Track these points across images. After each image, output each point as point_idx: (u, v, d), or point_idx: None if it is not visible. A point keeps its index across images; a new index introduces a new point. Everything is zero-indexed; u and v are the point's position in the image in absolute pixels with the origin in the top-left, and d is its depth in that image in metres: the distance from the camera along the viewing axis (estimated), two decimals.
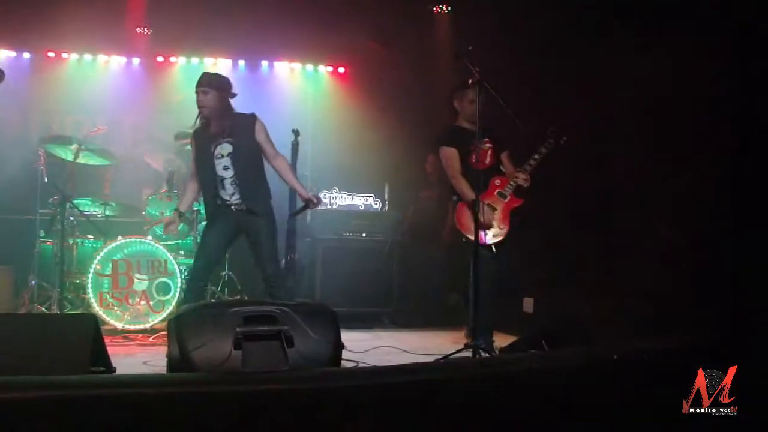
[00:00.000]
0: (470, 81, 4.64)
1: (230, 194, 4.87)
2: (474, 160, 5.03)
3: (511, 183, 5.16)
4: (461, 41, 5.46)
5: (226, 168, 4.86)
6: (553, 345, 4.21)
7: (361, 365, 4.42)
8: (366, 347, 5.24)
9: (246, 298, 6.43)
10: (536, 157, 5.11)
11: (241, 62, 8.78)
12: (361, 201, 7.16)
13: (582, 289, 5.30)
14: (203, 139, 4.96)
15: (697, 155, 4.61)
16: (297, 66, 8.99)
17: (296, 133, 4.95)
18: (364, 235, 6.94)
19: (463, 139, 5.30)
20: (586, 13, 5.50)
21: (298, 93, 8.90)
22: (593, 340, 4.31)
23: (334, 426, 2.30)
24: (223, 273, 6.41)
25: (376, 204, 7.19)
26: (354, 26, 7.76)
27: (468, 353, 4.54)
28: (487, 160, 5.26)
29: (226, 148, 4.86)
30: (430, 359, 4.85)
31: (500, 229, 5.17)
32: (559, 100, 5.84)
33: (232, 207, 4.88)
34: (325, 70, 9.06)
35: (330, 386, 2.43)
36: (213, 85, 4.85)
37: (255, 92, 8.67)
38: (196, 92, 4.85)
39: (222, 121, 4.87)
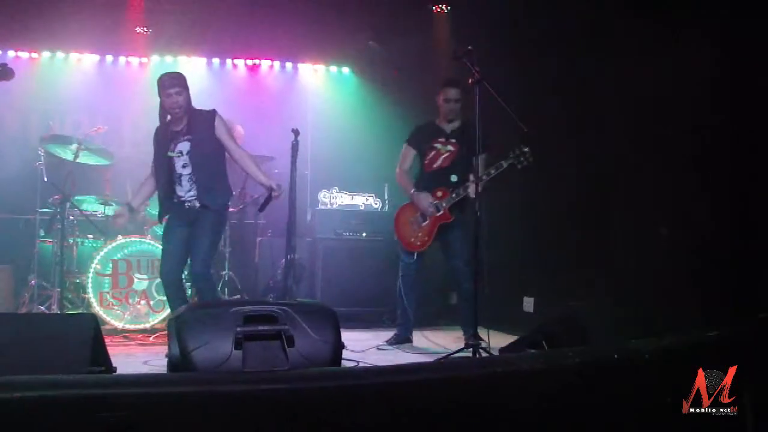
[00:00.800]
0: (470, 81, 4.64)
1: (186, 191, 4.84)
2: (427, 161, 5.45)
3: (452, 196, 5.26)
4: (461, 40, 5.47)
5: (185, 165, 4.83)
6: (554, 345, 4.20)
7: (361, 365, 4.41)
8: (366, 347, 5.24)
9: (246, 297, 6.43)
10: (491, 172, 5.06)
11: (240, 62, 8.80)
12: (361, 201, 7.16)
13: (583, 288, 5.30)
14: (163, 137, 4.92)
15: (699, 154, 4.60)
16: (297, 66, 9.00)
17: (296, 132, 4.92)
18: (364, 234, 6.93)
19: (428, 138, 5.50)
20: (587, 12, 5.49)
21: (298, 92, 8.91)
22: (594, 340, 4.31)
23: (334, 425, 2.30)
24: (224, 273, 6.41)
25: (376, 204, 7.18)
26: (354, 26, 7.76)
27: (468, 353, 4.54)
28: (437, 164, 5.43)
29: (184, 145, 4.82)
30: (430, 359, 4.85)
31: (423, 238, 5.36)
32: (562, 100, 5.84)
33: (186, 204, 4.85)
34: (324, 69, 9.07)
35: (330, 386, 2.43)
36: (184, 85, 4.82)
37: (254, 92, 8.70)
38: (168, 94, 4.76)
39: (185, 118, 4.85)
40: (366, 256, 6.84)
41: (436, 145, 5.46)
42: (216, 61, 8.71)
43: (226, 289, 6.40)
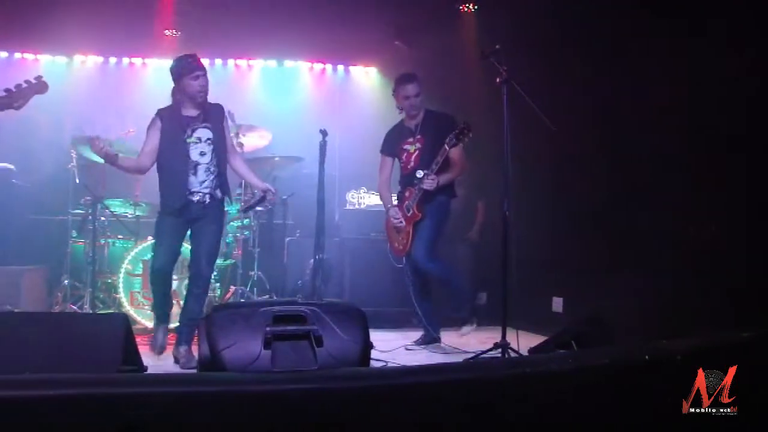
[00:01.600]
0: (498, 80, 4.62)
1: (200, 181, 4.61)
2: (402, 164, 5.49)
3: (416, 194, 5.26)
4: (488, 40, 5.45)
5: (202, 153, 4.61)
6: (583, 345, 4.18)
7: (390, 365, 4.41)
8: (394, 347, 5.24)
9: (275, 297, 6.46)
10: (438, 159, 5.12)
11: (272, 62, 8.86)
12: None
13: (611, 288, 5.25)
14: (174, 121, 4.65)
15: (715, 153, 4.55)
16: (324, 66, 9.03)
17: (324, 133, 4.94)
18: None
19: (398, 142, 5.53)
20: (610, 12, 5.44)
21: (326, 93, 8.94)
22: (622, 341, 4.28)
23: (363, 426, 2.30)
24: (253, 273, 6.44)
25: None
26: (380, 26, 7.76)
27: (497, 353, 4.52)
28: (411, 165, 5.44)
29: (204, 133, 4.63)
30: (458, 359, 4.84)
31: (403, 242, 5.43)
32: (589, 98, 5.80)
33: (195, 198, 4.60)
34: (352, 69, 9.09)
35: (359, 386, 2.43)
36: (205, 69, 4.70)
37: (282, 92, 8.75)
38: (196, 76, 4.58)
39: (201, 105, 4.68)
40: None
41: (406, 146, 5.49)
42: (244, 62, 8.77)
43: (255, 289, 6.43)
